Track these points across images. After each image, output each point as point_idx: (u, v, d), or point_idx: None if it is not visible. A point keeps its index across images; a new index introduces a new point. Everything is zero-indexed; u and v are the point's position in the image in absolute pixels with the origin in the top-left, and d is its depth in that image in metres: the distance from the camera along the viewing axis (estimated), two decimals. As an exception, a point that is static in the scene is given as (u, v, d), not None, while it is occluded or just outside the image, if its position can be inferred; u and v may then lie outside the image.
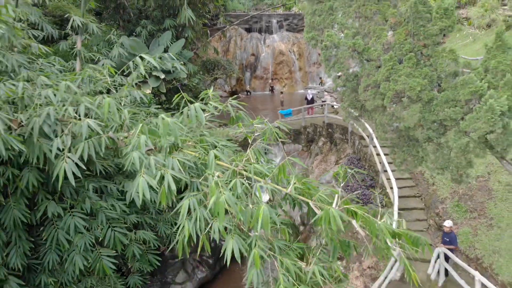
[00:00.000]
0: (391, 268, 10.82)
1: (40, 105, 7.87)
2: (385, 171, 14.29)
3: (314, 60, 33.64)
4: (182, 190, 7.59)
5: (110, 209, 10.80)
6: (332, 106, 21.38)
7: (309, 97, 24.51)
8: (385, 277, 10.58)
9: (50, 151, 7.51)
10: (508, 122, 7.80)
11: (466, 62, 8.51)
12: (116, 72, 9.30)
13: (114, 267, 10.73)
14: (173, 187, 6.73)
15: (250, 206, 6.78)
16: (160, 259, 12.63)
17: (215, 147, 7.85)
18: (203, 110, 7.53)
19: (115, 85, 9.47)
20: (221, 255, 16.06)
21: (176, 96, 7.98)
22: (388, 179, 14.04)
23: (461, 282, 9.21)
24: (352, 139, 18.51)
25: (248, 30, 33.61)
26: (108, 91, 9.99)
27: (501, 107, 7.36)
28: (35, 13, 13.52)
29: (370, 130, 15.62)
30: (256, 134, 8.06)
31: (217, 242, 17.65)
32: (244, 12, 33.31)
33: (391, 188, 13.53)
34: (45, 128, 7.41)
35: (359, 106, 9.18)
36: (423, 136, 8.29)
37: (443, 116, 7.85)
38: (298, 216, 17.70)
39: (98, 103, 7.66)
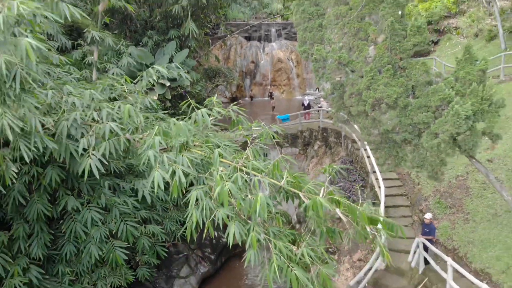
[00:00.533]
0: (377, 258, 11.95)
1: (64, 110, 9.05)
2: (374, 172, 15.44)
3: (311, 68, 34.89)
4: (189, 186, 8.71)
5: (123, 205, 11.91)
6: (327, 112, 22.55)
7: (306, 103, 25.74)
8: (371, 266, 11.71)
9: (76, 150, 8.67)
10: (473, 125, 8.99)
11: (438, 73, 9.69)
12: (131, 81, 10.49)
13: (126, 257, 11.83)
14: (183, 180, 7.88)
15: (249, 196, 7.93)
16: (167, 250, 13.71)
17: (219, 146, 8.98)
18: (208, 115, 8.74)
19: (128, 92, 10.64)
20: (221, 251, 17.17)
21: (183, 102, 9.19)
22: (377, 179, 15.17)
23: (437, 268, 10.35)
24: (345, 143, 19.69)
25: (248, 39, 34.91)
26: (120, 97, 11.21)
27: (466, 112, 8.53)
28: (53, 25, 14.71)
29: (366, 135, 16.76)
30: (254, 136, 9.27)
31: (219, 239, 18.82)
32: (244, 21, 34.60)
33: (379, 187, 14.67)
34: (72, 130, 8.59)
35: (346, 111, 10.36)
36: (401, 138, 9.47)
37: (417, 120, 9.03)
38: (294, 215, 18.81)
39: (117, 108, 8.84)
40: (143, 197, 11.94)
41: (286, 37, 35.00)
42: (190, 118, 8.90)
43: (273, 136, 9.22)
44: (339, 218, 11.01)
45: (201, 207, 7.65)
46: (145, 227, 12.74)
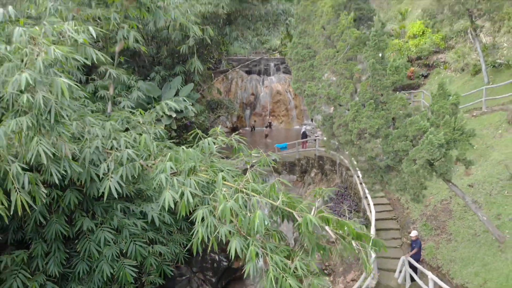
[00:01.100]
0: (368, 276, 12.85)
1: (87, 139, 10.29)
2: (366, 197, 16.51)
3: (309, 99, 36.46)
4: (194, 208, 9.78)
5: (133, 226, 12.93)
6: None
7: (306, 132, 27.10)
8: (360, 286, 12.60)
9: (96, 174, 9.85)
10: (447, 152, 10.19)
11: (416, 106, 10.97)
12: (142, 113, 11.78)
13: (135, 275, 12.75)
14: (191, 200, 9.05)
15: (249, 214, 9.07)
16: (173, 270, 14.59)
17: (222, 171, 10.17)
18: (213, 143, 10.02)
19: (142, 123, 11.91)
20: (222, 274, 18.25)
21: (191, 132, 10.51)
22: (369, 204, 16.21)
23: (420, 282, 11.28)
24: (340, 170, 20.83)
25: (248, 72, 36.70)
26: (133, 127, 12.51)
27: (439, 141, 9.75)
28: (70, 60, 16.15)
29: (354, 162, 17.95)
30: (253, 162, 10.52)
31: (220, 263, 19.64)
32: (244, 56, 36.46)
33: (371, 212, 15.69)
34: (93, 157, 9.79)
35: (336, 140, 11.59)
36: (384, 164, 10.64)
37: (397, 148, 10.23)
38: (292, 240, 19.70)
39: (133, 138, 10.10)
40: (150, 219, 13.05)
41: (284, 71, 36.77)
42: (197, 146, 10.21)
43: (270, 163, 10.50)
44: (333, 242, 12.29)
45: (206, 224, 8.80)
46: (152, 247, 13.69)
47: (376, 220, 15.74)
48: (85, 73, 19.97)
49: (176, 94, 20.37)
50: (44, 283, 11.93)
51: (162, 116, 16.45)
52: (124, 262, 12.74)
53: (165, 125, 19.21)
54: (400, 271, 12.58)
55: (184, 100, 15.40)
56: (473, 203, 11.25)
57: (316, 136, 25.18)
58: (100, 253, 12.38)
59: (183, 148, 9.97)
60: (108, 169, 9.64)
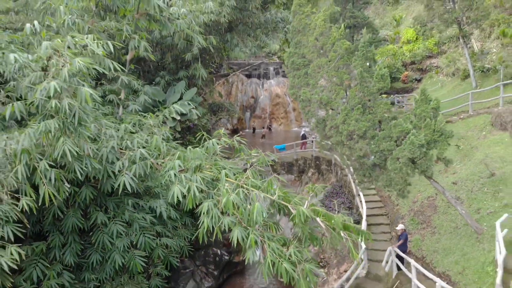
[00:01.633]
0: (358, 266, 13.98)
1: (104, 140, 11.43)
2: (359, 195, 17.64)
3: (307, 102, 37.68)
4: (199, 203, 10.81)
5: (142, 220, 14.04)
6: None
7: (306, 134, 28.24)
8: (352, 272, 13.72)
9: (112, 171, 10.99)
10: (427, 151, 11.31)
11: (400, 110, 12.10)
12: (153, 116, 12.92)
13: (144, 265, 13.85)
14: (197, 194, 10.19)
15: (249, 207, 10.21)
16: (178, 261, 15.70)
17: (225, 168, 11.33)
18: (217, 144, 11.18)
19: (153, 126, 13.05)
20: (224, 268, 19.63)
21: (198, 135, 11.67)
22: (361, 201, 17.34)
23: (405, 270, 12.41)
24: (335, 170, 21.95)
25: (248, 76, 37.89)
26: (142, 129, 13.65)
27: (420, 141, 10.88)
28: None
29: (347, 162, 19.09)
30: (252, 161, 11.68)
31: (221, 257, 20.74)
32: (244, 60, 37.64)
33: (363, 208, 16.82)
34: (109, 155, 10.93)
35: (328, 141, 12.72)
36: (371, 162, 11.77)
37: (382, 147, 11.36)
38: (290, 235, 20.79)
39: (145, 139, 11.24)
40: (158, 214, 14.19)
41: (283, 75, 37.93)
42: (203, 146, 11.40)
43: (269, 162, 11.69)
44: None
45: (211, 215, 9.96)
46: (159, 240, 14.82)
47: (368, 215, 16.89)
48: (94, 78, 21.17)
49: (180, 98, 21.49)
50: (61, 272, 13.05)
51: (167, 119, 17.57)
52: (134, 253, 13.88)
53: (170, 127, 20.33)
54: (387, 261, 13.70)
55: (189, 104, 16.61)
56: (452, 198, 12.37)
57: (313, 138, 26.31)
58: (112, 245, 13.50)
59: (190, 148, 11.15)
60: (123, 166, 10.77)
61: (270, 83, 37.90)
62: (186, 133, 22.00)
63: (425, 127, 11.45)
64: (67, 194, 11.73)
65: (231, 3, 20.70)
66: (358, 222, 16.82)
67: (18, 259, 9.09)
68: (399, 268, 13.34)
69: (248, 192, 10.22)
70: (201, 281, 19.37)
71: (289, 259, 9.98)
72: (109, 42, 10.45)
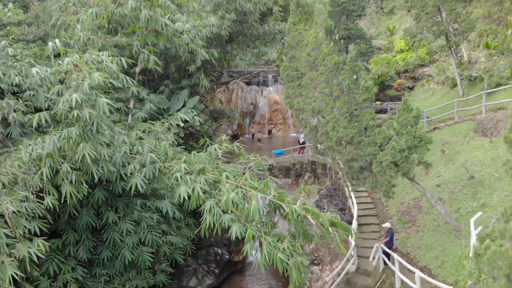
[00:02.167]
0: (349, 262, 15.17)
1: (116, 145, 12.66)
2: (351, 197, 18.85)
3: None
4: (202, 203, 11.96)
5: (149, 219, 15.23)
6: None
7: (301, 140, 29.43)
8: (342, 268, 14.90)
9: (125, 174, 12.21)
10: (408, 155, 12.54)
11: (385, 119, 13.34)
12: (160, 124, 14.16)
13: (151, 260, 15.02)
14: (201, 194, 11.41)
15: (247, 205, 11.43)
16: (183, 257, 16.86)
17: (226, 171, 12.55)
18: (219, 149, 12.43)
19: (161, 132, 14.30)
20: (224, 267, 21.08)
21: (201, 141, 12.92)
22: (353, 203, 18.55)
23: (390, 264, 13.60)
24: (330, 173, 23.16)
25: (248, 83, 39.23)
26: (149, 135, 14.90)
27: (400, 147, 12.11)
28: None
29: (341, 164, 20.31)
30: (251, 164, 12.94)
31: (222, 256, 21.88)
32: (244, 68, 38.97)
33: (354, 209, 18.02)
34: (122, 160, 12.17)
35: (318, 147, 13.96)
36: (358, 166, 13.01)
37: (368, 152, 12.59)
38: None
39: (155, 144, 12.49)
40: (164, 214, 15.39)
41: (281, 83, 39.23)
42: (206, 151, 12.67)
43: (266, 165, 12.96)
44: (321, 236, 14.87)
45: (213, 213, 11.21)
46: (165, 237, 16.01)
47: (359, 216, 18.11)
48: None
49: (183, 106, 22.76)
50: (75, 266, 14.26)
51: (172, 125, 18.84)
52: (142, 250, 15.09)
53: (174, 133, 21.57)
54: (374, 257, 14.88)
55: (191, 111, 17.88)
56: (432, 198, 13.59)
57: (310, 143, 27.53)
58: (122, 242, 14.72)
59: (194, 153, 12.41)
60: (134, 169, 12.01)
61: (269, 90, 39.21)
62: (189, 139, 23.23)
63: (406, 133, 12.68)
64: (84, 194, 12.94)
65: (231, 16, 22.05)
66: (350, 222, 18.01)
67: (44, 251, 10.28)
68: (385, 263, 14.53)
69: (246, 192, 11.46)
70: (203, 278, 20.51)
71: (283, 251, 11.22)
72: (122, 59, 11.73)
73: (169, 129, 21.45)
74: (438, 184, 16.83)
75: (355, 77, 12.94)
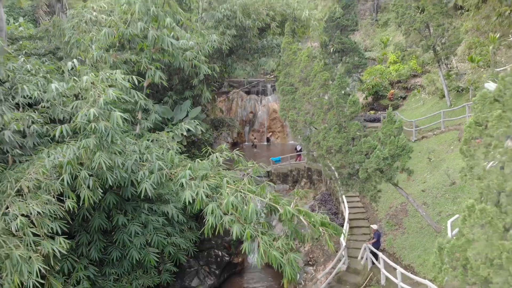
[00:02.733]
0: (339, 260, 16.41)
1: (127, 154, 13.95)
2: (343, 201, 20.13)
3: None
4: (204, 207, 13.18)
5: (155, 222, 16.47)
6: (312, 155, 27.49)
7: (298, 148, 30.75)
8: (332, 267, 16.13)
9: (136, 179, 13.50)
10: (391, 163, 13.85)
11: (370, 130, 14.66)
12: (166, 134, 15.49)
13: (157, 259, 16.25)
14: (204, 198, 12.69)
15: (245, 207, 12.70)
16: (186, 257, 18.09)
17: (226, 177, 13.82)
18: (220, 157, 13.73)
19: (166, 141, 15.62)
20: (224, 268, 22.50)
21: (203, 149, 14.22)
22: (345, 207, 19.82)
23: (376, 262, 14.85)
24: (324, 180, 24.45)
25: (247, 93, 40.68)
26: (155, 143, 16.19)
27: (384, 155, 13.43)
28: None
29: (335, 171, 21.60)
30: (249, 170, 14.24)
31: (222, 258, 23.09)
32: (244, 78, 40.43)
33: (346, 213, 19.30)
34: (133, 167, 13.47)
35: (312, 154, 15.28)
36: (346, 172, 14.32)
37: (355, 160, 13.90)
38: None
39: (162, 152, 13.81)
40: (169, 217, 16.63)
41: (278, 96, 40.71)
42: (208, 158, 13.99)
43: (262, 172, 14.31)
44: (317, 238, 16.33)
45: (215, 214, 12.49)
46: (170, 239, 17.25)
47: (351, 219, 19.38)
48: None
49: (186, 115, 24.10)
50: (87, 265, 15.50)
51: (175, 134, 20.18)
52: (149, 250, 16.29)
53: (177, 142, 22.87)
54: (362, 257, 16.14)
55: (194, 121, 19.23)
56: (414, 202, 14.87)
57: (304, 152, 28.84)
58: (131, 242, 15.96)
59: (198, 161, 13.73)
60: (144, 175, 13.31)
61: (268, 99, 40.62)
62: (191, 147, 24.54)
63: (390, 143, 14.00)
64: (98, 199, 14.15)
65: (232, 32, 23.47)
66: (342, 225, 19.26)
67: (65, 248, 11.55)
68: (373, 262, 15.77)
69: (245, 196, 12.76)
70: (204, 279, 21.72)
71: (278, 249, 12.49)
72: (134, 77, 13.09)
73: (173, 138, 22.85)
74: (423, 189, 18.12)
75: (342, 92, 14.29)
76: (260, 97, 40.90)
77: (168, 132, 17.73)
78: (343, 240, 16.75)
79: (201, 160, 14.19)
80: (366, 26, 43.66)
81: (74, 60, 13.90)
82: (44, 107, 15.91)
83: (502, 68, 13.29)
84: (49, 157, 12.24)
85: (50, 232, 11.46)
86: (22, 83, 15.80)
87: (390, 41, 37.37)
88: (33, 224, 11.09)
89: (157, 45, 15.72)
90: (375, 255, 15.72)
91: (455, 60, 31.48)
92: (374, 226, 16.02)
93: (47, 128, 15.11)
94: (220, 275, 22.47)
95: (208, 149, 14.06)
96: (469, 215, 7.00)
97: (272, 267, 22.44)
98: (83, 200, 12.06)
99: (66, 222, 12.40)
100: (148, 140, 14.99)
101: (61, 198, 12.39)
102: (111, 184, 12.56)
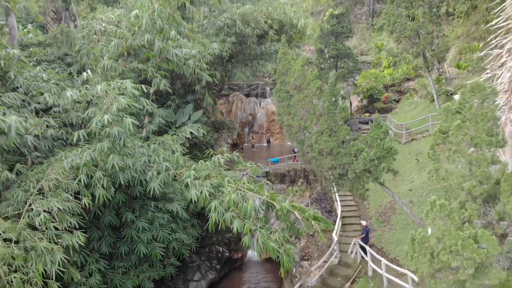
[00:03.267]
0: (331, 254, 17.71)
1: (136, 156, 15.23)
2: (336, 200, 21.44)
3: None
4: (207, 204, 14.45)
5: (161, 219, 17.75)
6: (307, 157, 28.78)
7: (295, 149, 32.02)
8: (325, 261, 17.42)
9: (144, 179, 14.79)
10: (377, 164, 15.13)
11: (358, 134, 15.95)
12: (172, 138, 16.79)
13: (163, 253, 17.54)
14: (207, 196, 13.97)
15: (245, 204, 13.97)
16: (189, 252, 19.38)
17: (227, 177, 15.09)
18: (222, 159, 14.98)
19: (172, 144, 16.91)
20: (225, 263, 24.11)
21: (206, 151, 15.51)
22: (338, 206, 21.12)
23: (364, 256, 16.15)
24: (320, 180, 25.74)
25: (247, 95, 42.00)
26: (160, 145, 17.46)
27: (370, 157, 14.71)
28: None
29: (321, 172, 22.86)
30: (248, 170, 15.54)
31: (223, 254, 24.39)
32: (244, 81, 41.72)
33: (338, 211, 20.60)
34: (142, 168, 14.76)
35: (306, 156, 16.57)
36: (337, 173, 15.62)
37: (344, 162, 15.19)
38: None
39: (168, 154, 15.11)
40: (174, 214, 17.91)
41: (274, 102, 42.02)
42: (210, 160, 15.28)
43: (259, 172, 15.63)
44: (312, 234, 17.68)
45: (217, 211, 13.77)
46: (174, 234, 18.54)
47: (344, 217, 20.69)
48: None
49: (189, 119, 25.41)
50: (98, 259, 16.75)
51: (179, 137, 21.47)
52: (155, 245, 17.56)
53: (180, 144, 24.16)
54: (352, 251, 17.44)
55: (196, 124, 20.52)
56: (399, 200, 16.14)
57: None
58: (138, 238, 17.25)
59: (201, 162, 15.02)
60: (152, 176, 14.60)
61: (267, 101, 41.93)
62: (193, 148, 25.85)
63: (376, 146, 15.28)
64: (111, 196, 15.29)
65: (232, 39, 24.77)
66: (335, 222, 20.56)
67: (82, 241, 12.84)
68: (362, 256, 17.06)
69: (244, 194, 14.06)
70: (206, 273, 23.04)
71: (275, 241, 13.79)
72: (143, 86, 14.39)
73: (176, 140, 24.13)
74: (410, 188, 19.43)
75: (333, 99, 15.57)
76: (259, 99, 42.22)
77: (172, 135, 19.05)
78: (335, 236, 18.04)
79: (204, 161, 15.49)
80: (362, 30, 44.97)
81: (88, 71, 15.19)
82: (56, 111, 17.21)
83: (486, 75, 14.38)
84: (66, 159, 13.52)
85: (69, 227, 12.75)
86: (36, 90, 17.08)
87: (384, 46, 38.64)
88: (54, 219, 12.38)
89: (162, 55, 17.02)
90: (364, 250, 17.01)
91: (446, 64, 32.79)
92: (363, 223, 17.32)
93: (61, 132, 16.40)
94: (221, 270, 23.79)
95: (210, 151, 15.34)
96: (431, 209, 8.31)
97: (270, 263, 23.89)
98: (98, 198, 13.34)
99: (82, 217, 13.70)
100: (154, 143, 16.29)
101: (77, 196, 13.69)
102: (123, 183, 13.84)
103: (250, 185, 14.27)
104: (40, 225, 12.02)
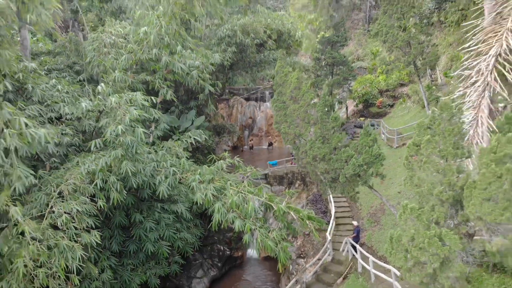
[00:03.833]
0: (325, 252, 19.11)
1: (145, 162, 16.62)
2: (331, 201, 22.84)
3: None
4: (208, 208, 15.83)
5: (167, 219, 19.13)
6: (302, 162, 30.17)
7: (293, 153, 33.41)
8: (319, 259, 18.82)
9: (153, 183, 16.19)
10: (366, 169, 16.53)
11: (350, 141, 17.33)
12: (177, 143, 18.18)
13: (169, 251, 18.92)
14: (211, 198, 15.35)
15: (245, 205, 15.35)
16: (193, 250, 20.76)
17: (229, 180, 16.46)
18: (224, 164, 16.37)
19: (176, 150, 18.30)
20: (226, 261, 25.84)
21: (209, 157, 16.91)
22: (332, 207, 22.52)
23: (355, 254, 17.54)
24: (316, 182, 27.13)
25: (247, 99, 43.41)
26: (166, 151, 18.85)
27: (359, 163, 16.11)
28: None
29: (315, 176, 24.25)
30: (248, 173, 16.93)
31: (224, 252, 25.78)
32: (243, 86, 43.16)
33: (332, 212, 22.00)
34: (151, 172, 16.15)
35: (301, 161, 17.98)
36: (329, 177, 17.01)
37: (336, 167, 16.59)
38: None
39: (174, 159, 16.50)
40: (179, 214, 19.28)
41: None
42: (213, 165, 16.66)
43: (259, 174, 17.06)
44: (308, 234, 19.13)
45: (220, 212, 15.16)
46: (179, 234, 19.93)
47: (338, 217, 22.09)
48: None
49: (191, 124, 26.79)
50: (109, 256, 18.09)
51: (183, 142, 22.83)
52: (162, 243, 18.92)
53: (184, 148, 25.54)
54: (344, 249, 18.86)
55: (199, 130, 21.90)
56: (387, 201, 17.57)
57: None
58: (146, 237, 18.60)
59: (205, 166, 16.41)
60: (161, 180, 15.99)
61: (266, 105, 43.35)
62: (196, 152, 27.23)
63: (365, 152, 16.68)
64: (123, 199, 16.51)
65: (232, 49, 26.17)
66: (329, 222, 21.96)
67: (99, 239, 14.23)
68: (353, 254, 18.47)
69: (245, 196, 15.45)
70: (208, 270, 24.44)
71: (272, 240, 15.17)
72: (153, 97, 15.78)
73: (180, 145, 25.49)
74: (399, 191, 20.82)
75: (326, 109, 16.97)
76: (258, 103, 43.63)
77: (176, 140, 20.45)
78: (329, 235, 19.45)
79: (208, 165, 16.89)
80: (358, 36, 46.36)
81: (102, 84, 16.58)
82: (68, 119, 18.58)
83: (458, 93, 15.67)
84: (84, 165, 14.91)
85: (86, 227, 14.14)
86: (51, 99, 18.45)
87: (379, 52, 40.03)
88: (74, 220, 13.77)
89: (168, 68, 18.41)
90: (355, 248, 18.40)
91: (439, 71, 34.17)
92: (355, 223, 18.72)
93: (75, 139, 17.79)
94: (222, 267, 25.19)
95: (213, 157, 16.72)
96: (403, 212, 9.70)
97: (269, 261, 25.28)
98: (113, 200, 14.73)
99: (97, 218, 15.09)
100: (162, 149, 17.71)
101: (92, 199, 15.07)
102: (135, 187, 15.23)
103: (250, 188, 15.65)
104: (61, 225, 13.40)
